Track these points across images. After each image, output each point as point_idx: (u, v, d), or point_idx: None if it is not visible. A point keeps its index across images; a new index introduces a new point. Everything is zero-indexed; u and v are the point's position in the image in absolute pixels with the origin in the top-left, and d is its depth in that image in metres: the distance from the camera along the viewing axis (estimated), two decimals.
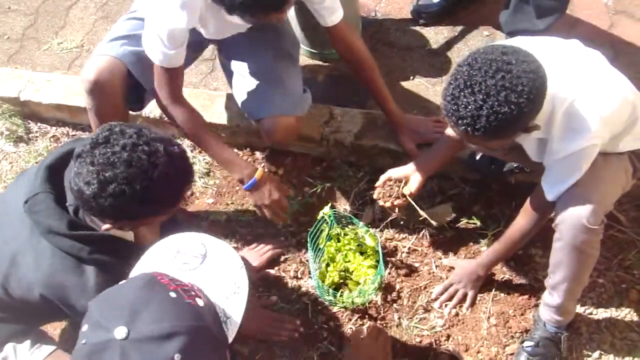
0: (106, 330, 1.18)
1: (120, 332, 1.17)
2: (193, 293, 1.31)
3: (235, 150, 2.59)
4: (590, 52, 1.74)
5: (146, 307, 1.21)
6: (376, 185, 2.14)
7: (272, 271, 2.32)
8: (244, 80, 2.25)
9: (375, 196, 2.14)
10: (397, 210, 2.14)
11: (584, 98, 1.61)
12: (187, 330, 1.20)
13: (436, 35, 2.78)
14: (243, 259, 2.08)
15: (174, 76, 2.06)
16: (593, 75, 1.67)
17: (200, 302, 1.29)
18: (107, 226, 1.58)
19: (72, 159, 1.53)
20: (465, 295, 2.16)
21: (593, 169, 1.70)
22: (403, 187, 2.09)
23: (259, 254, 2.32)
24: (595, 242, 1.74)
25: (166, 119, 2.57)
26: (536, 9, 2.30)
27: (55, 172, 1.67)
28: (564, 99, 1.61)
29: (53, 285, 1.63)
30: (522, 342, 2.02)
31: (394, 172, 2.12)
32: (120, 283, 1.33)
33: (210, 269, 1.45)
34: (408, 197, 2.08)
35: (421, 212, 2.15)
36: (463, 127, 1.53)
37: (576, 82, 1.64)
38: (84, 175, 1.46)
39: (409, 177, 2.10)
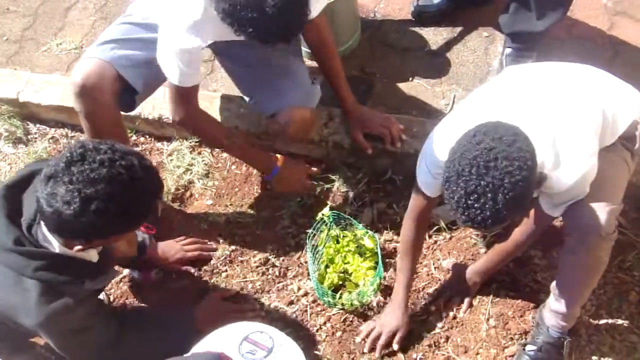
0: None
1: None
2: None
3: None
4: (546, 75, 1.73)
5: None
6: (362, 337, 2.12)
7: (191, 269, 2.31)
8: (251, 76, 2.25)
9: (366, 350, 2.09)
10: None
11: (562, 129, 1.59)
12: None
13: (435, 36, 2.77)
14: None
15: (192, 93, 2.11)
16: (559, 103, 1.65)
17: None
18: (78, 247, 1.56)
19: (41, 180, 1.48)
20: (461, 300, 2.15)
21: (598, 174, 1.68)
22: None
23: (183, 248, 2.30)
24: (609, 249, 1.73)
25: (168, 122, 2.58)
26: (537, 11, 2.29)
27: (14, 192, 1.65)
28: (546, 141, 1.58)
29: None
30: (524, 345, 2.01)
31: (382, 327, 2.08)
32: (185, 356, 1.31)
33: None
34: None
35: None
36: (490, 226, 1.49)
37: (549, 119, 1.61)
38: (62, 195, 1.43)
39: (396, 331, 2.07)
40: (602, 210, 1.66)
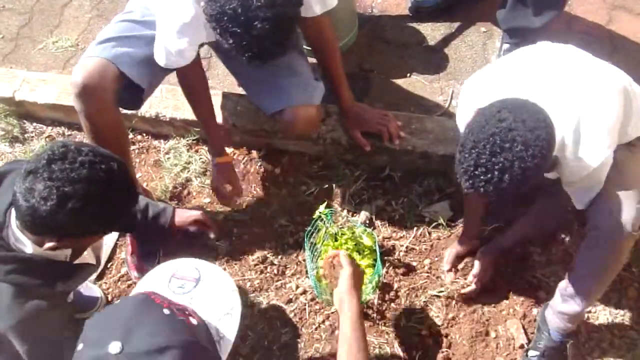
0: (100, 347, 1.20)
1: (114, 347, 1.19)
2: (187, 312, 1.34)
3: (232, 149, 2.59)
4: (578, 56, 1.71)
5: (140, 324, 1.23)
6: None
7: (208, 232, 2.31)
8: (254, 75, 2.24)
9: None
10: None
11: (587, 114, 1.57)
12: (181, 344, 1.22)
13: (433, 32, 2.76)
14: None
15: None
16: (588, 85, 1.63)
17: (193, 321, 1.32)
18: (50, 244, 1.55)
19: (21, 175, 1.48)
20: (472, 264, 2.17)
21: (620, 170, 1.66)
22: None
23: (197, 213, 2.30)
24: (631, 247, 1.71)
25: (165, 120, 2.58)
26: (533, 7, 2.28)
27: None
28: (570, 122, 1.57)
29: None
30: (527, 351, 2.00)
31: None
32: (114, 303, 1.35)
33: (203, 292, 1.51)
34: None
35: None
36: (494, 199, 1.53)
37: (575, 100, 1.59)
38: (40, 191, 1.43)
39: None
40: (630, 208, 1.64)
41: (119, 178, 1.52)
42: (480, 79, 1.77)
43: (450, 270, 2.21)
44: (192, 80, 2.19)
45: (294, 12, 1.72)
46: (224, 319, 1.47)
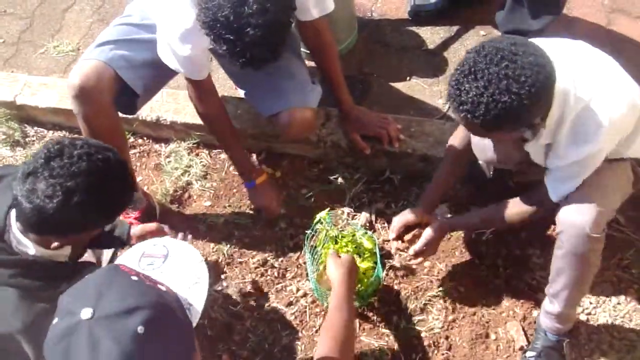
0: (73, 315, 1.23)
1: (86, 313, 1.22)
2: (155, 280, 1.39)
3: None
4: (600, 54, 1.72)
5: (109, 289, 1.26)
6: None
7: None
8: (251, 77, 2.25)
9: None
10: None
11: (598, 100, 1.58)
12: (150, 305, 1.25)
13: (432, 36, 2.77)
14: None
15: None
16: (606, 76, 1.65)
17: (162, 287, 1.37)
18: (56, 244, 1.57)
19: (19, 179, 1.49)
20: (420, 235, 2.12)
21: (597, 176, 1.69)
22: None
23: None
24: (598, 251, 1.73)
25: (166, 123, 2.59)
26: (531, 10, 2.29)
27: None
28: (579, 100, 1.58)
29: None
30: (525, 352, 2.01)
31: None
32: (85, 276, 1.36)
33: (172, 266, 1.57)
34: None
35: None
36: (463, 113, 1.51)
37: (591, 83, 1.61)
38: (43, 189, 1.45)
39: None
40: (592, 210, 1.66)
41: (115, 166, 1.55)
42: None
43: (395, 239, 2.17)
44: (211, 118, 2.25)
45: (286, 19, 1.74)
46: (193, 288, 1.52)
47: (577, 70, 1.61)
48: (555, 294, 1.86)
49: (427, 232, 2.08)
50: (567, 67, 1.56)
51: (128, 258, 1.64)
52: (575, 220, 1.68)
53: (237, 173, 2.54)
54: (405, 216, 2.14)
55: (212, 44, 1.74)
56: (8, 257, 1.60)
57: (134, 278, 1.32)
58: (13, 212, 1.60)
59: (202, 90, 2.14)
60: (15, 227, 1.61)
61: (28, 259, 1.62)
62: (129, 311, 1.22)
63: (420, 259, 2.15)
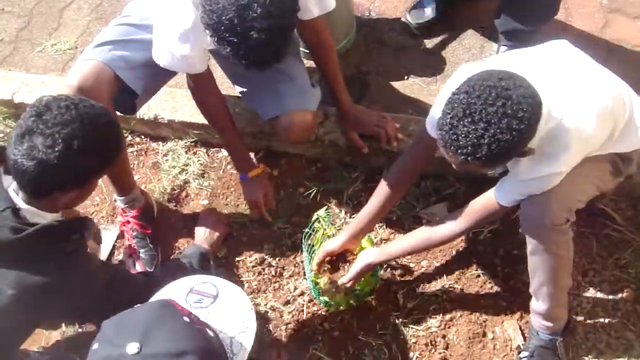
0: (118, 347, 1.21)
1: (132, 347, 1.20)
2: (204, 323, 1.37)
3: None
4: (577, 55, 1.71)
5: (160, 326, 1.24)
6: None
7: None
8: (250, 80, 2.24)
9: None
10: None
11: (569, 118, 1.57)
12: (199, 350, 1.24)
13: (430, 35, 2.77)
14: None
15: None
16: (579, 88, 1.62)
17: (210, 332, 1.34)
18: (64, 200, 1.60)
19: (13, 142, 1.51)
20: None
21: None
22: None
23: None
24: (563, 242, 1.72)
25: (164, 122, 2.58)
26: (528, 10, 2.29)
27: None
28: (552, 118, 1.56)
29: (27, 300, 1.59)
30: (519, 352, 2.01)
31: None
32: (135, 306, 1.35)
33: (220, 309, 1.54)
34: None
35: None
36: (463, 157, 1.47)
37: (564, 100, 1.59)
38: (42, 142, 1.48)
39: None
40: (549, 201, 1.65)
41: (100, 112, 1.60)
42: (479, 65, 1.74)
43: (319, 271, 2.10)
44: (210, 107, 2.25)
45: (290, 23, 1.73)
46: (239, 337, 1.49)
47: (551, 87, 1.59)
48: (536, 292, 1.87)
49: (361, 264, 2.03)
50: (542, 85, 1.54)
51: (175, 290, 1.60)
52: (532, 214, 1.67)
53: (234, 172, 2.54)
54: (332, 246, 2.08)
55: (214, 44, 1.73)
56: (34, 228, 1.58)
57: (186, 319, 1.30)
58: (11, 191, 1.62)
59: (201, 80, 2.14)
60: (21, 203, 1.61)
61: (51, 223, 1.61)
62: (178, 355, 1.21)
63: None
